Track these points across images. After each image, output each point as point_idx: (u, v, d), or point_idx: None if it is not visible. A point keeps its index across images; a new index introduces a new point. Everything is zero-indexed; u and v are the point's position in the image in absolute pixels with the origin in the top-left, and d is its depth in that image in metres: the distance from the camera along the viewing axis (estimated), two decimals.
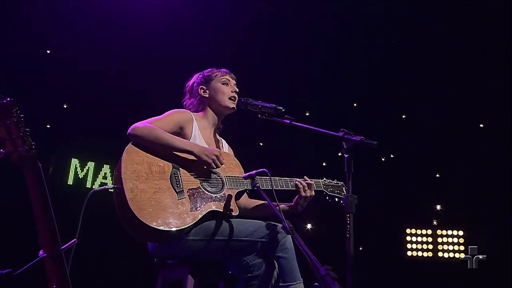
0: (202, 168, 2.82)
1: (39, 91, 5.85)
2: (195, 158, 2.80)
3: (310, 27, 6.57)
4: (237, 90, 3.13)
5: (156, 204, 2.62)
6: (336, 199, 3.17)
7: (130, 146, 2.74)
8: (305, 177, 3.08)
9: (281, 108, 2.85)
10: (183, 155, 2.81)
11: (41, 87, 5.89)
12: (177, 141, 2.80)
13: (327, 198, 3.18)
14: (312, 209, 3.29)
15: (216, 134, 3.20)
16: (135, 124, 2.78)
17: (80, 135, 6.09)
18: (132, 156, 2.70)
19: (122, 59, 6.02)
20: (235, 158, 3.09)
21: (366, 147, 2.42)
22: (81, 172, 6.11)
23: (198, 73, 3.20)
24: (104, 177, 6.14)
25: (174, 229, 2.60)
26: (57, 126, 6.13)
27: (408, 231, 7.15)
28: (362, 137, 2.44)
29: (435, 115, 7.04)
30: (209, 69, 3.19)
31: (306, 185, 3.02)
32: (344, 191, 3.19)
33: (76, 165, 6.11)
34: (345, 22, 6.55)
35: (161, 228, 2.57)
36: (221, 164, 2.83)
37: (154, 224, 2.56)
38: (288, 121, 2.79)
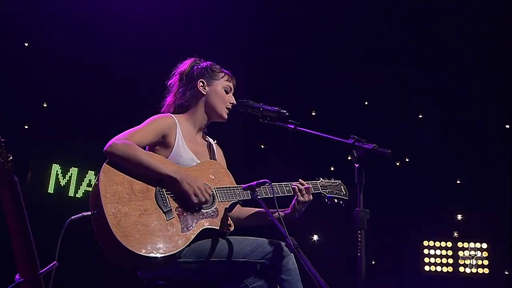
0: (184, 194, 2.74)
1: (16, 88, 5.82)
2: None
3: (314, 25, 6.57)
4: (235, 102, 3.07)
5: (143, 229, 2.58)
6: (336, 200, 3.14)
7: (106, 166, 2.69)
8: (300, 180, 3.02)
9: (284, 111, 2.82)
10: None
11: (18, 83, 5.85)
12: (159, 164, 2.74)
13: (325, 200, 3.14)
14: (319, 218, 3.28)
15: (202, 136, 3.16)
16: (112, 140, 2.73)
17: (62, 137, 6.03)
18: (110, 176, 2.66)
19: (110, 56, 5.98)
20: (224, 167, 3.06)
21: (379, 155, 2.42)
22: (63, 179, 6.07)
23: (201, 61, 3.13)
24: (89, 185, 6.10)
25: (165, 254, 2.58)
26: (36, 127, 6.09)
27: (426, 243, 7.11)
28: (374, 145, 2.43)
29: (455, 115, 7.02)
30: (213, 63, 3.13)
31: (303, 189, 2.98)
32: (343, 190, 3.19)
33: (57, 171, 6.07)
34: (353, 19, 6.55)
35: (151, 255, 2.54)
36: (204, 200, 2.74)
37: (144, 251, 2.53)
38: (293, 126, 2.77)
